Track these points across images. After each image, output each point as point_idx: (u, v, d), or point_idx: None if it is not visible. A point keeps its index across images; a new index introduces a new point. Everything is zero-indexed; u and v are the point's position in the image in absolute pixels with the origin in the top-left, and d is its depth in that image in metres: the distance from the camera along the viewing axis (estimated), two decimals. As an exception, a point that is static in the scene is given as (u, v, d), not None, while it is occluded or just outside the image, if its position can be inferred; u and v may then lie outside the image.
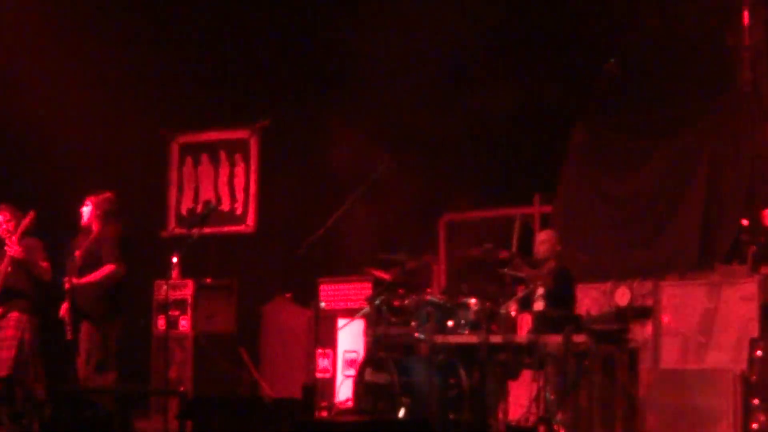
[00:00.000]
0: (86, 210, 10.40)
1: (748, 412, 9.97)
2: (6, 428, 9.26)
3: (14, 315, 10.14)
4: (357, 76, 13.44)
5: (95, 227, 10.31)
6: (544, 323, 9.74)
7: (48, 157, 12.94)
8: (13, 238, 10.15)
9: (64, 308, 10.08)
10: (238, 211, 13.75)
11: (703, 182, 11.66)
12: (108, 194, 10.49)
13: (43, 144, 12.99)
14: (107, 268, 10.13)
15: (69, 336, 10.02)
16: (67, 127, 13.00)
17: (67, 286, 10.09)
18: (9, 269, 10.18)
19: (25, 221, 10.23)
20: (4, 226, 10.25)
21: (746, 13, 11.51)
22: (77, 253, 10.23)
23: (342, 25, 13.82)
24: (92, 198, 10.43)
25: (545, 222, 12.32)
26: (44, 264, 10.33)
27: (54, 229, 10.88)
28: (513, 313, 10.01)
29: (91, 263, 10.16)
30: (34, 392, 9.95)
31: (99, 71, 13.19)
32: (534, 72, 13.08)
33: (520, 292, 10.21)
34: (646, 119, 12.30)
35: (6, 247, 10.21)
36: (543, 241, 10.32)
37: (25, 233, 10.26)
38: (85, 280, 10.09)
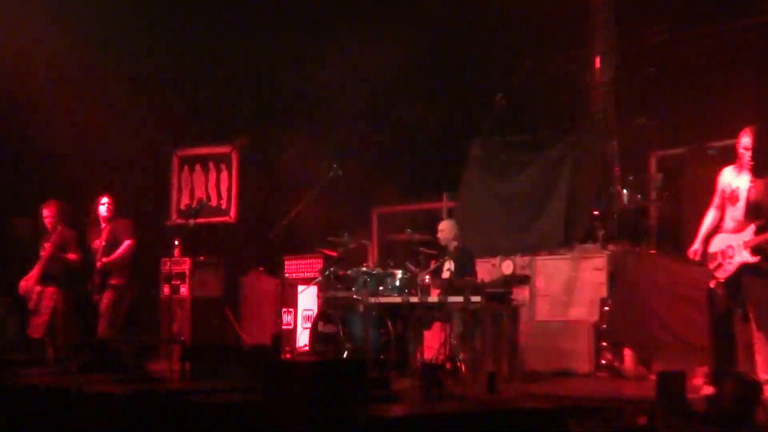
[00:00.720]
0: (103, 207, 10.35)
1: (598, 351, 10.22)
2: (49, 368, 9.19)
3: (50, 290, 10.11)
4: (309, 105, 13.59)
5: (110, 220, 10.29)
6: (450, 288, 9.78)
7: (76, 166, 12.72)
8: (56, 240, 10.13)
9: (91, 283, 10.15)
10: (224, 207, 13.69)
11: (565, 184, 11.68)
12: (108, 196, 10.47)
13: (73, 155, 12.79)
14: (126, 244, 10.16)
15: (96, 300, 10.13)
16: (94, 145, 13.00)
17: (98, 265, 10.14)
18: (46, 260, 10.16)
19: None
20: (48, 220, 10.26)
21: (597, 59, 11.68)
22: (98, 241, 10.24)
23: (298, 68, 13.87)
24: (108, 197, 10.44)
25: (450, 214, 12.31)
26: (73, 256, 10.25)
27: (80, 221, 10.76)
28: (427, 280, 10.12)
29: (113, 245, 10.16)
30: (62, 348, 9.95)
31: (123, 103, 13.05)
32: (443, 101, 13.18)
33: (432, 265, 10.24)
34: (524, 138, 12.43)
35: (44, 241, 10.22)
36: (443, 229, 10.35)
37: (65, 224, 10.23)
38: (112, 258, 10.10)
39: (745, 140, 7.07)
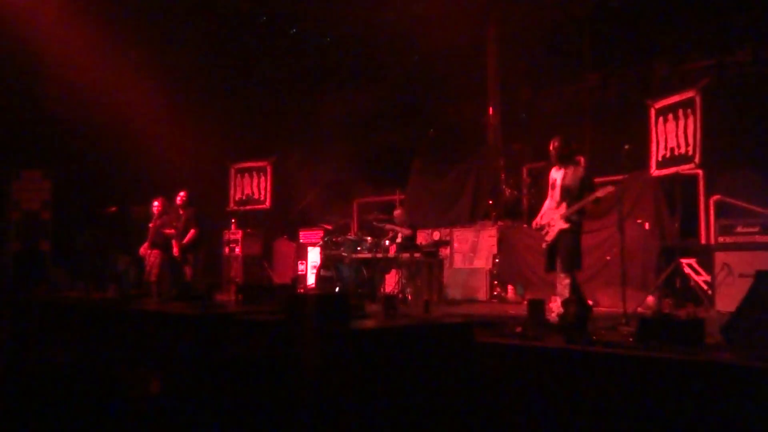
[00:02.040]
0: (179, 198, 10.08)
1: (492, 286, 10.21)
2: (154, 300, 9.07)
3: (155, 252, 9.91)
4: (313, 132, 13.46)
5: (185, 207, 10.04)
6: (402, 247, 9.75)
7: (173, 174, 12.51)
8: (158, 221, 9.93)
9: (176, 249, 9.91)
10: (262, 199, 13.57)
11: (472, 184, 11.78)
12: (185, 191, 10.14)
13: (171, 168, 12.63)
14: (192, 232, 9.86)
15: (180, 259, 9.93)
16: (184, 161, 12.85)
17: (175, 244, 9.88)
18: (152, 234, 9.97)
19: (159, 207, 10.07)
20: (157, 208, 10.05)
21: (491, 108, 11.69)
22: (178, 224, 9.94)
23: (305, 105, 13.75)
24: (185, 191, 10.16)
25: (401, 202, 12.21)
26: (170, 230, 9.94)
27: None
28: (388, 243, 10.07)
29: (186, 228, 9.89)
30: (165, 285, 9.78)
31: (201, 131, 12.83)
32: (399, 131, 13.21)
33: (391, 234, 10.17)
34: (447, 156, 12.45)
35: (151, 224, 10.01)
36: (398, 215, 10.22)
37: (161, 214, 10.02)
38: (184, 241, 9.83)
39: (553, 145, 6.75)
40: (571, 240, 6.49)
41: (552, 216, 6.71)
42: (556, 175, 6.73)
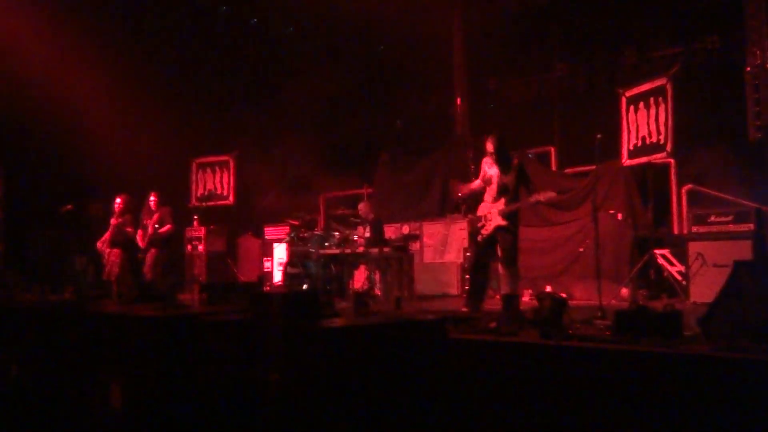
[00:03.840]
0: (152, 200, 10.06)
1: (463, 281, 10.16)
2: (113, 301, 8.90)
3: (115, 251, 9.78)
4: (276, 126, 13.30)
5: (158, 210, 9.98)
6: (370, 242, 9.63)
7: (132, 168, 12.34)
8: (120, 219, 9.82)
9: (141, 243, 9.85)
10: (225, 194, 13.44)
11: (441, 177, 11.73)
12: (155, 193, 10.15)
13: (129, 161, 12.43)
14: (168, 227, 9.90)
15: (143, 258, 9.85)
16: (143, 155, 12.66)
17: (150, 231, 9.84)
18: (113, 231, 9.84)
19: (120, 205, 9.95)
20: (118, 206, 9.91)
21: (458, 99, 11.65)
22: (150, 222, 9.92)
23: (269, 97, 13.61)
24: (155, 193, 10.16)
25: (367, 196, 12.11)
26: (130, 229, 9.91)
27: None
28: (356, 238, 9.97)
29: (161, 224, 9.88)
30: (125, 286, 9.64)
31: (162, 127, 12.66)
32: (364, 124, 13.17)
33: (362, 229, 10.05)
34: (414, 148, 12.40)
35: (112, 220, 9.88)
36: (362, 208, 10.08)
37: (123, 212, 9.91)
38: (159, 233, 9.83)
39: (489, 143, 6.94)
40: (510, 237, 6.70)
41: (489, 209, 6.84)
42: (491, 170, 6.86)
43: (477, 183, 7.16)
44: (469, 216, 10.78)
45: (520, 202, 6.70)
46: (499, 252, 6.75)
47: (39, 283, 9.87)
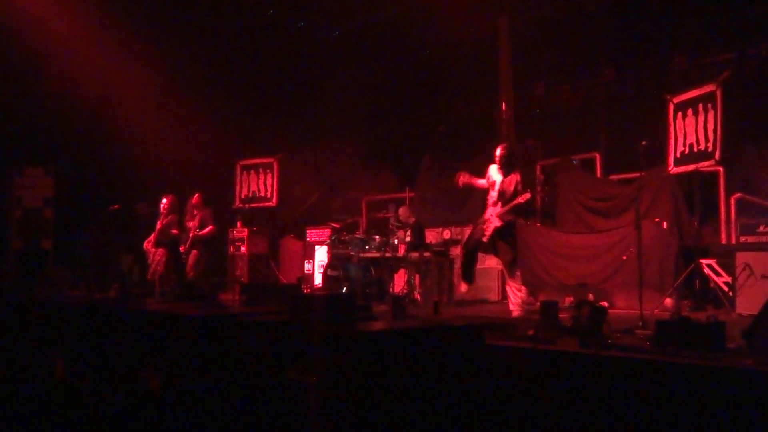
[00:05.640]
0: (194, 200, 10.31)
1: (503, 287, 10.06)
2: (157, 299, 9.07)
3: (160, 250, 9.98)
4: (320, 130, 13.35)
5: (200, 208, 10.24)
6: (411, 246, 9.64)
7: (178, 169, 12.60)
8: (165, 220, 10.10)
9: (183, 247, 10.09)
10: (268, 196, 13.54)
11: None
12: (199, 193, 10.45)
13: (175, 163, 12.68)
14: (209, 228, 10.17)
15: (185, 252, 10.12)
16: (190, 157, 12.84)
17: (191, 234, 10.08)
18: (158, 232, 10.09)
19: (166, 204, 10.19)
20: (164, 206, 10.22)
21: (503, 104, 11.54)
22: (192, 223, 10.16)
23: (312, 102, 13.68)
24: (198, 194, 10.35)
25: (409, 201, 12.11)
26: (176, 230, 10.19)
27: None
28: (396, 242, 9.98)
29: (202, 226, 10.14)
30: (169, 285, 9.81)
31: (209, 131, 12.87)
32: (408, 128, 13.15)
33: (402, 233, 9.99)
34: (456, 153, 12.32)
35: (159, 222, 10.19)
36: (403, 212, 10.14)
37: (169, 213, 10.21)
38: (201, 234, 10.09)
39: (498, 151, 7.80)
40: (508, 238, 7.63)
41: (491, 213, 7.69)
42: (496, 176, 7.68)
43: (481, 182, 8.01)
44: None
45: (511, 206, 7.53)
46: (500, 254, 7.69)
47: (86, 280, 10.15)
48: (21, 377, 7.49)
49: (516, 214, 7.72)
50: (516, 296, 7.82)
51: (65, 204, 13.05)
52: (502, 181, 7.55)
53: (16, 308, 8.55)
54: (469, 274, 8.12)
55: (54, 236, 12.99)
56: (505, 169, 7.60)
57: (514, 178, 7.50)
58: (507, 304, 9.55)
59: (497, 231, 7.58)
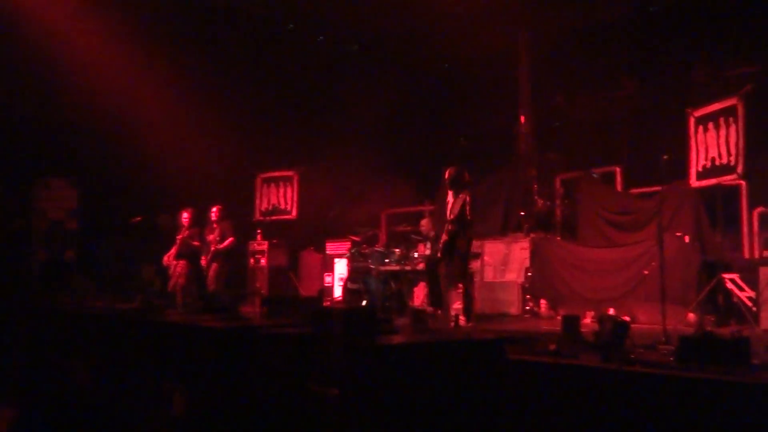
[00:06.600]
0: (214, 213, 10.39)
1: (524, 301, 10.09)
2: (178, 311, 9.13)
3: (181, 262, 10.12)
4: (339, 145, 13.35)
5: (219, 221, 10.33)
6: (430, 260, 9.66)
7: (199, 183, 12.66)
8: (186, 232, 10.23)
9: (204, 259, 10.19)
10: (288, 209, 13.59)
11: (503, 195, 11.61)
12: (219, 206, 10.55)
13: (196, 176, 12.75)
14: (230, 240, 10.26)
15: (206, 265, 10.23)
16: (210, 170, 12.92)
17: (213, 248, 10.18)
18: (179, 244, 10.21)
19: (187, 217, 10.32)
20: (186, 219, 10.36)
21: (522, 117, 11.56)
22: (212, 236, 10.24)
23: (331, 117, 13.78)
24: (218, 206, 10.44)
25: (430, 213, 12.09)
26: (197, 243, 10.30)
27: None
28: (416, 255, 9.95)
29: (222, 238, 10.24)
30: (190, 297, 9.87)
31: (230, 145, 12.95)
32: (427, 142, 13.16)
33: (421, 246, 10.00)
34: (476, 166, 12.32)
35: (179, 236, 10.32)
36: (424, 224, 10.01)
37: (190, 225, 10.33)
38: (221, 247, 10.17)
39: (446, 174, 8.04)
40: (457, 253, 7.85)
41: (444, 230, 7.94)
42: (450, 198, 7.98)
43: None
44: (531, 235, 10.71)
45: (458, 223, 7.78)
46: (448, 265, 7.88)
47: (108, 291, 10.24)
48: (46, 384, 7.56)
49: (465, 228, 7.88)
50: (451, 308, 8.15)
51: (88, 216, 13.17)
52: (453, 202, 7.88)
53: (40, 318, 8.63)
54: (437, 298, 8.22)
55: (77, 247, 13.12)
56: (454, 189, 7.92)
57: (462, 197, 7.79)
58: (527, 319, 9.61)
59: (445, 244, 7.86)
